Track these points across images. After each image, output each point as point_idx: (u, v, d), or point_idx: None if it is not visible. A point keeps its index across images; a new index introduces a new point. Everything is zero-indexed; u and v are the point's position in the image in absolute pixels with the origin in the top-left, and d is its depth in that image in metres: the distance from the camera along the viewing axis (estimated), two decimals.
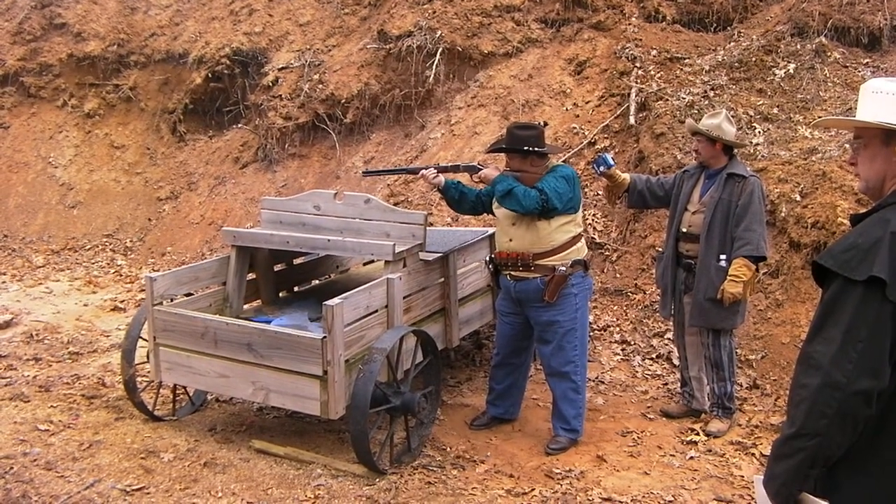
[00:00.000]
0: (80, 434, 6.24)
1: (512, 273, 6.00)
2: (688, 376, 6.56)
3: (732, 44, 10.77)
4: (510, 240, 5.96)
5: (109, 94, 14.62)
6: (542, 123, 10.51)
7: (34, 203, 13.63)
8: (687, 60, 10.61)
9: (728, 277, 5.91)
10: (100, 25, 14.79)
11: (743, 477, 5.58)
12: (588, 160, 9.77)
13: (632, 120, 10.01)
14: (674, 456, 5.93)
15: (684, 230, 6.28)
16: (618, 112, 10.30)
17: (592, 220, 9.30)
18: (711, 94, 9.77)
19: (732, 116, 8.12)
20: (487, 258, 6.74)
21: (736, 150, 6.35)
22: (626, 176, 6.53)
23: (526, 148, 5.85)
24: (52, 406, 6.81)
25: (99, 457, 5.82)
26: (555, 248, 5.84)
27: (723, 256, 6.01)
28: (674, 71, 10.45)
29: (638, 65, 10.64)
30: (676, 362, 7.04)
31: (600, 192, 9.34)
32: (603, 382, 7.26)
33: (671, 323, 6.90)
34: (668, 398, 6.93)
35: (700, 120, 6.44)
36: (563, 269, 5.83)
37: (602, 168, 6.37)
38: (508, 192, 5.69)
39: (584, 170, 9.66)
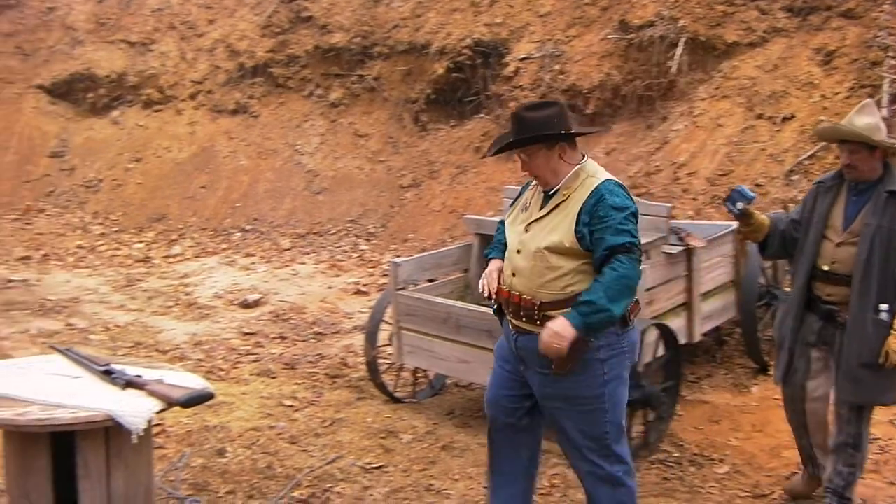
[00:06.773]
0: (323, 411, 6.43)
1: (514, 321, 4.05)
2: (807, 443, 4.95)
3: None
4: (513, 273, 3.99)
5: (353, 84, 15.00)
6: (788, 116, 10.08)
7: (282, 189, 14.22)
8: None
9: (893, 333, 4.35)
10: (344, 18, 15.22)
11: None
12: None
13: (884, 112, 9.34)
14: None
15: (825, 268, 4.58)
16: None
17: None
18: None
19: None
20: (487, 295, 4.22)
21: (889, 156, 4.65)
22: (766, 217, 4.90)
23: (548, 133, 3.86)
24: (296, 383, 7.06)
25: (340, 434, 5.98)
26: (570, 296, 3.81)
27: (883, 307, 4.37)
28: None
29: (890, 54, 9.90)
30: None
31: None
32: None
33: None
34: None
35: (850, 121, 4.82)
36: None
37: (740, 205, 4.72)
38: (611, 292, 3.67)
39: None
